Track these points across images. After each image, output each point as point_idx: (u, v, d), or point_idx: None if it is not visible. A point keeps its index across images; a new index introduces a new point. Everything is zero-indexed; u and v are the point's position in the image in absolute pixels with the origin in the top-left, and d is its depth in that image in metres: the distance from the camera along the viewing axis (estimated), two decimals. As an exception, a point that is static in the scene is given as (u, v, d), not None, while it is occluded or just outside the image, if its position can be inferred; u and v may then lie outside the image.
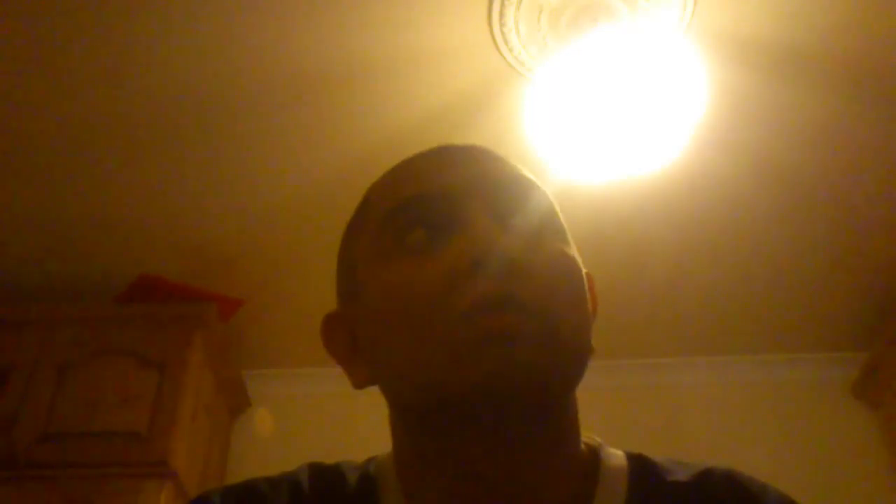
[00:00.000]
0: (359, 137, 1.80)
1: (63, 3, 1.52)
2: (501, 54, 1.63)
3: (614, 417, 1.95)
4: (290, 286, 2.20)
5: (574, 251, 0.55)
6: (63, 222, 2.02)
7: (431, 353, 0.48)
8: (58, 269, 2.14)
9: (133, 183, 1.92)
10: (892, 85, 1.72)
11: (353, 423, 2.30)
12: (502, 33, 1.59)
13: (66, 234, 2.05)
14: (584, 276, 0.55)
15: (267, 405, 2.42)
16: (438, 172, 0.55)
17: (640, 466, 0.56)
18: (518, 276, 0.48)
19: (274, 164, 1.88)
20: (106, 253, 2.11)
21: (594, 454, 0.56)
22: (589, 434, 0.57)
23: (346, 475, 0.57)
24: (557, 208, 0.57)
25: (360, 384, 0.56)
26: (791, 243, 2.09)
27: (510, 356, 0.46)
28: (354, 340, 0.57)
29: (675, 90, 1.44)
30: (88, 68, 1.65)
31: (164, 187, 1.93)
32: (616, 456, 0.56)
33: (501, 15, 1.56)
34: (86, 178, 1.90)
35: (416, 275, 0.50)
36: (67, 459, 1.83)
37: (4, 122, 1.76)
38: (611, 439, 0.59)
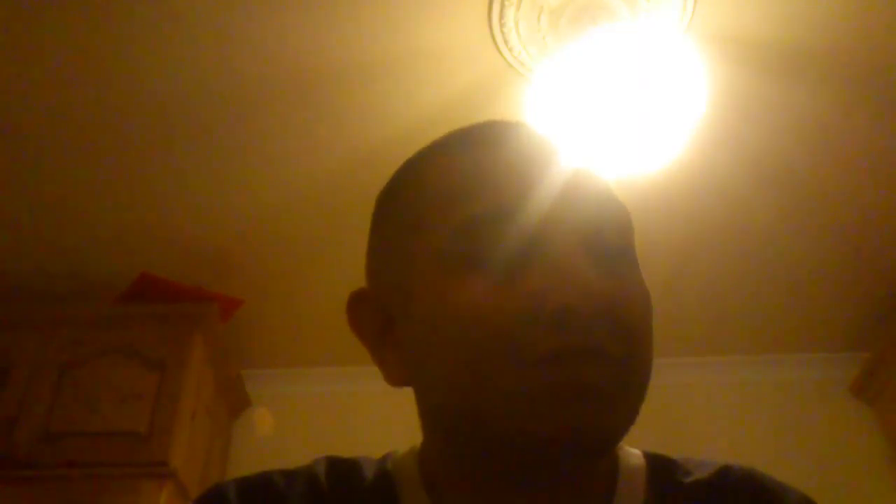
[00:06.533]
0: (359, 137, 1.80)
1: (62, 2, 1.52)
2: (501, 54, 1.63)
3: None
4: (290, 286, 2.20)
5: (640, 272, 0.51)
6: (63, 222, 2.02)
7: (494, 395, 0.44)
8: (58, 269, 2.15)
9: (133, 183, 1.92)
10: (893, 84, 1.72)
11: (352, 423, 2.30)
12: (502, 33, 1.59)
13: (67, 234, 2.05)
14: None
15: (267, 405, 2.43)
16: (528, 178, 0.49)
17: (659, 465, 0.56)
18: (607, 325, 0.44)
19: (274, 165, 1.88)
20: (106, 253, 2.11)
21: (613, 454, 0.55)
22: None
23: (363, 469, 0.56)
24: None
25: (395, 383, 0.52)
26: (791, 243, 2.09)
27: (584, 414, 0.43)
28: (388, 323, 0.53)
29: (675, 90, 1.44)
30: (87, 68, 1.65)
31: (164, 187, 1.93)
32: (634, 455, 0.56)
33: (501, 15, 1.55)
34: (86, 179, 1.90)
35: (491, 302, 0.45)
36: (67, 459, 1.82)
37: (4, 122, 1.76)
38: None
